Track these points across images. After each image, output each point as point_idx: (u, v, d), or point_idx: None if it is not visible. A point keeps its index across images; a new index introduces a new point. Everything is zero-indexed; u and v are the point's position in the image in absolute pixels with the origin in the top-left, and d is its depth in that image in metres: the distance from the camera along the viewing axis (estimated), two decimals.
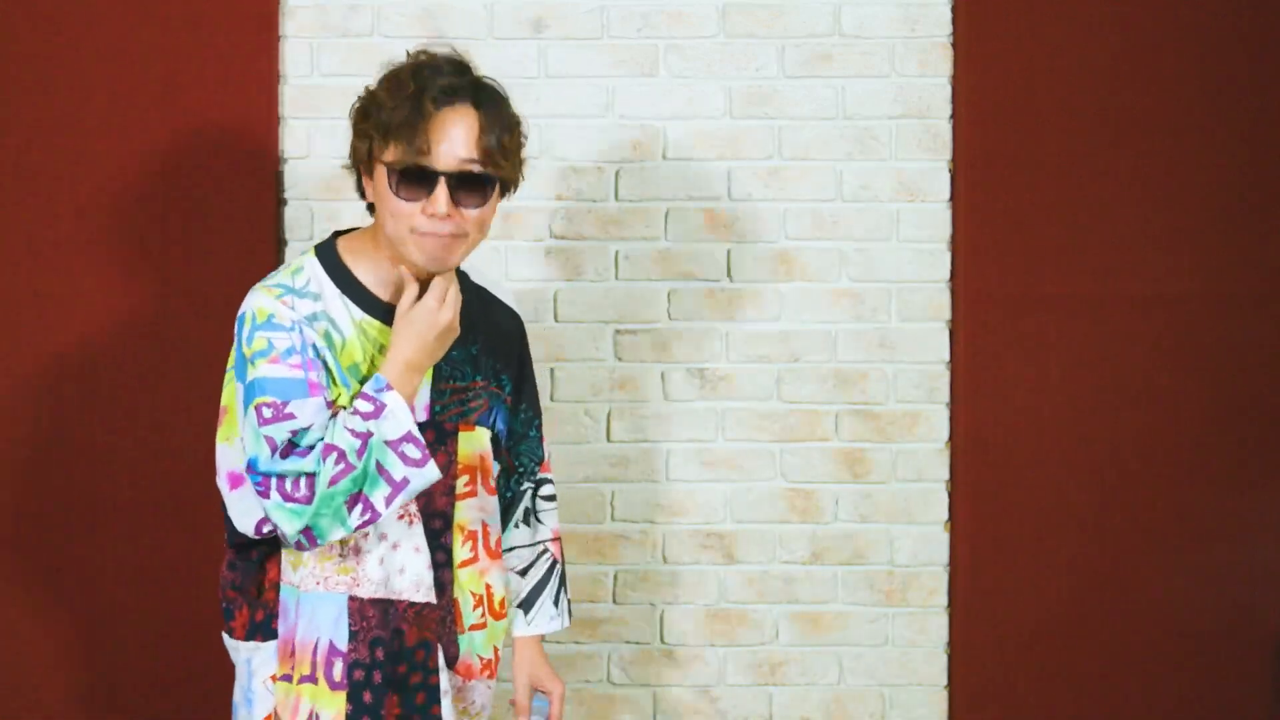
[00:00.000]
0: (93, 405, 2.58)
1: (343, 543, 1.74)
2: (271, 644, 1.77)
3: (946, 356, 2.65)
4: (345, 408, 1.69)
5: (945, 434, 2.65)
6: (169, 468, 2.57)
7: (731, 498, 2.65)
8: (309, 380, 1.67)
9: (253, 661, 1.79)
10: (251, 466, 1.66)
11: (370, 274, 1.75)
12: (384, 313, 1.75)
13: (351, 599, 1.74)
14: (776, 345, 2.65)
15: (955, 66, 2.62)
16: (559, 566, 2.04)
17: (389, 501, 1.66)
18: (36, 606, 2.58)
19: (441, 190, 1.64)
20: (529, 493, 2.02)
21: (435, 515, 1.79)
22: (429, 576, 1.78)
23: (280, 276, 1.75)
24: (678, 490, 2.65)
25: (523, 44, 2.63)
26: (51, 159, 2.57)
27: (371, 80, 1.74)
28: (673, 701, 2.67)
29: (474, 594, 1.84)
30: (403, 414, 1.67)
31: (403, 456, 1.66)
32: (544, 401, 2.62)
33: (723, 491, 2.65)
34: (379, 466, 1.65)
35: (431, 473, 1.68)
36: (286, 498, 1.63)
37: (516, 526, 2.02)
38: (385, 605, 1.75)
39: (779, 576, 2.65)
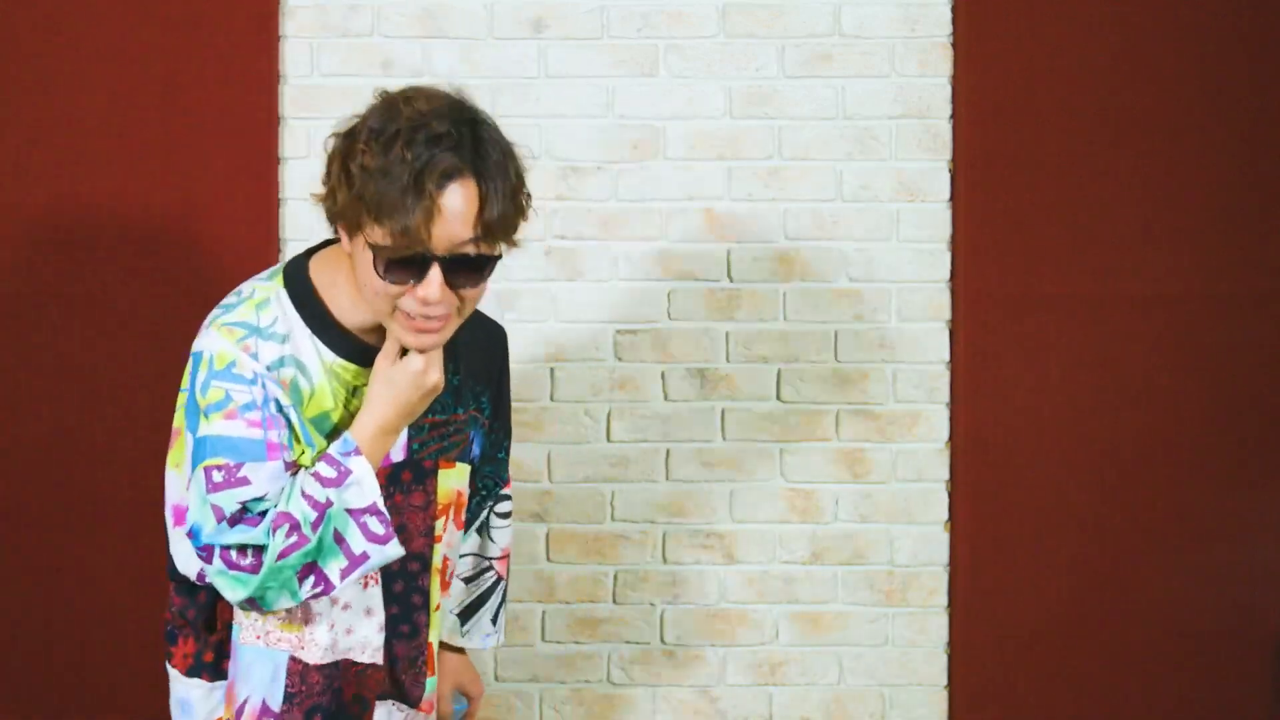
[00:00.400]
0: (93, 405, 2.58)
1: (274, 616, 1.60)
2: (220, 685, 1.65)
3: (946, 356, 2.65)
4: (307, 467, 1.53)
5: (945, 434, 2.65)
6: None
7: (731, 498, 2.65)
8: (268, 440, 1.50)
9: (191, 699, 1.68)
10: (194, 535, 1.51)
11: (346, 306, 1.55)
12: (359, 354, 1.57)
13: (293, 660, 1.60)
14: (776, 345, 2.65)
15: (955, 66, 2.62)
16: (502, 584, 1.94)
17: (344, 575, 1.51)
18: (36, 606, 2.58)
19: (435, 274, 1.44)
20: (486, 511, 1.90)
21: (413, 558, 1.66)
22: (378, 639, 1.65)
23: (243, 311, 1.55)
24: (678, 490, 2.65)
25: (523, 44, 2.63)
26: (51, 159, 2.57)
27: (353, 108, 1.51)
28: (673, 701, 2.67)
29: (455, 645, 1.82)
30: (369, 483, 1.50)
31: (364, 529, 1.50)
32: (544, 402, 2.62)
33: (723, 491, 2.65)
34: (337, 536, 1.50)
35: (394, 550, 1.53)
36: (231, 565, 1.49)
37: (468, 535, 1.91)
38: (331, 668, 1.63)
39: (779, 576, 2.65)
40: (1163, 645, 2.62)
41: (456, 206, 1.42)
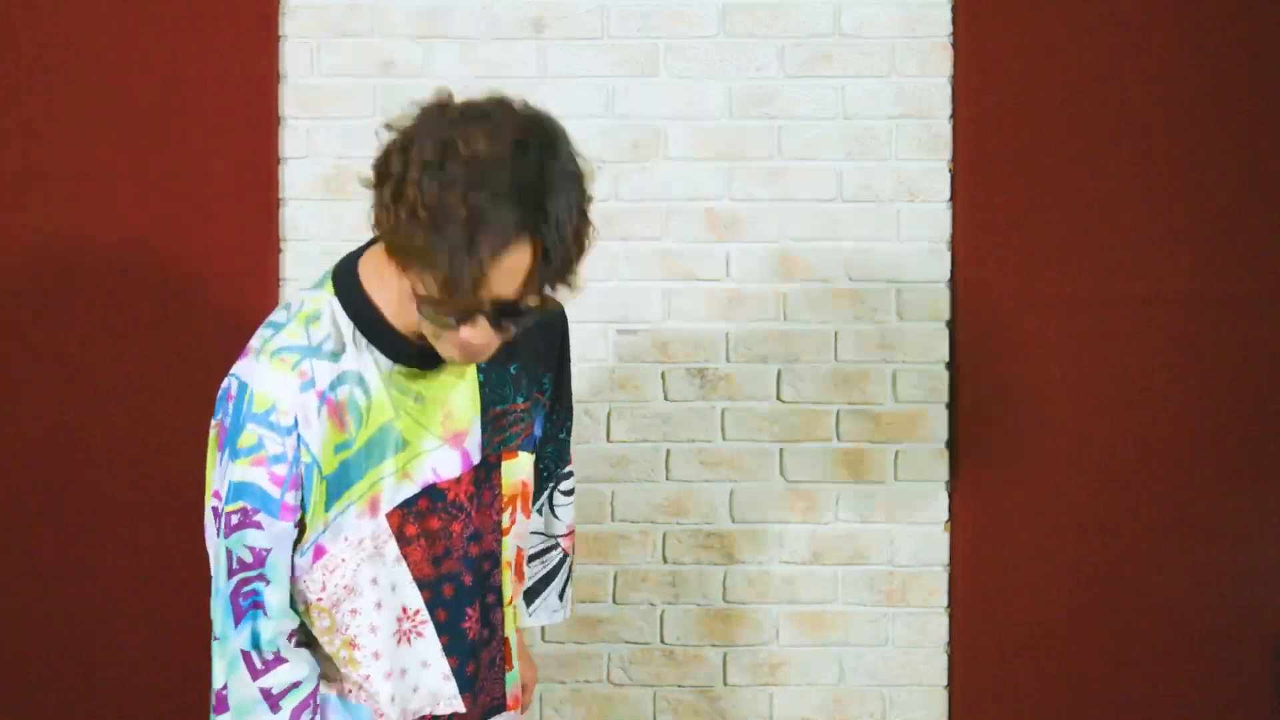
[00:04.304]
0: (93, 405, 2.58)
1: (348, 679, 1.60)
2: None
3: (946, 356, 2.64)
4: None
5: (945, 434, 2.65)
6: (169, 468, 2.57)
7: (731, 498, 2.65)
8: (284, 502, 1.49)
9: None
10: (216, 579, 1.52)
11: (399, 310, 1.48)
12: (417, 357, 1.52)
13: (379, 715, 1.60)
14: (776, 345, 2.65)
15: (955, 66, 2.62)
16: (569, 560, 1.92)
17: None
18: (36, 606, 2.58)
19: (481, 324, 1.38)
20: (549, 489, 1.89)
21: (485, 557, 1.64)
22: (449, 688, 1.62)
23: (293, 331, 1.50)
24: (678, 490, 2.65)
25: (523, 44, 2.62)
26: (52, 158, 2.57)
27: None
28: (673, 701, 2.67)
29: (517, 630, 1.75)
30: None
31: None
32: None
33: (723, 491, 2.65)
34: None
35: None
36: (218, 635, 1.53)
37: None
38: None
39: (779, 576, 2.65)
40: (1163, 645, 2.62)
41: (509, 270, 1.32)
